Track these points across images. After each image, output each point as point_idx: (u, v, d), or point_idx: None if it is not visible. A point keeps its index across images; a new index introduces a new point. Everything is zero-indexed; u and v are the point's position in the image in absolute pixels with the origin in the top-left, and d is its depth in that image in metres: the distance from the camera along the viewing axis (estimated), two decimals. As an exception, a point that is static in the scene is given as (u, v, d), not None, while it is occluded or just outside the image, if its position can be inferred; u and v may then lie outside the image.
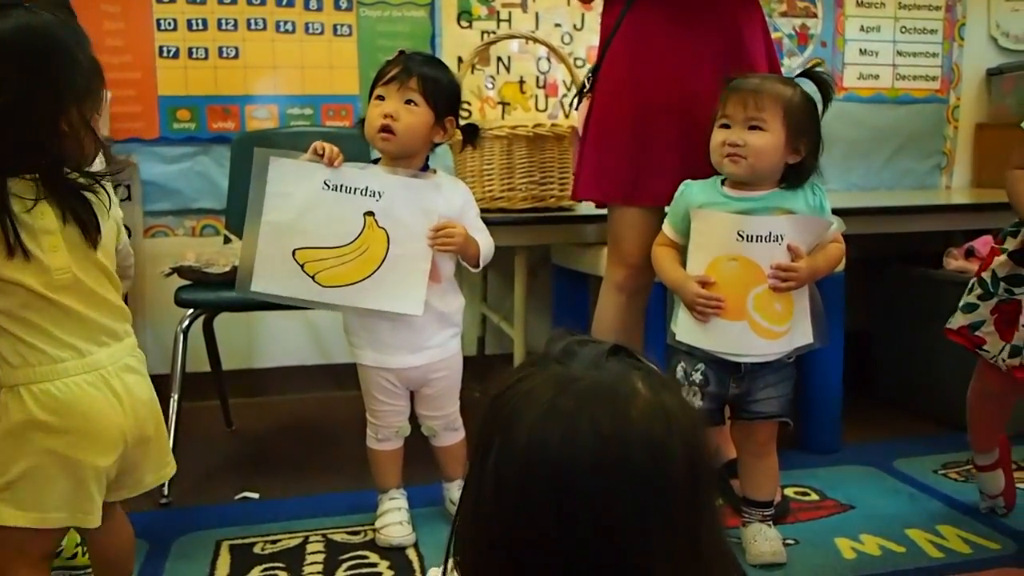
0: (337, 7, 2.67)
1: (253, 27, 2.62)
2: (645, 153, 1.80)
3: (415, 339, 1.70)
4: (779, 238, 1.53)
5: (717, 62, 1.75)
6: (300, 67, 2.67)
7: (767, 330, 1.56)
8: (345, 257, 1.62)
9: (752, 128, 1.55)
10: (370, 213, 1.62)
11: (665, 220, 1.69)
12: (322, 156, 1.61)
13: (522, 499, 0.66)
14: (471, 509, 0.70)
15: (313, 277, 1.61)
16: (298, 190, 1.61)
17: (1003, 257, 1.65)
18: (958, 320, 1.71)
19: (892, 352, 2.66)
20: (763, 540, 1.66)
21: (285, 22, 2.64)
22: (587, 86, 1.94)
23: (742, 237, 1.54)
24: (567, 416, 0.66)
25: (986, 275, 1.68)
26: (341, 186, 1.61)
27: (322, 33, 2.67)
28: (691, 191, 1.64)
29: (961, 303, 1.72)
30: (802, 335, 1.59)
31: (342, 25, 2.68)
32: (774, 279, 1.54)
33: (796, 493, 1.98)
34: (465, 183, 1.83)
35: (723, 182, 1.63)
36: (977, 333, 1.67)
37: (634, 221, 1.84)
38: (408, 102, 1.63)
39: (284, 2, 2.63)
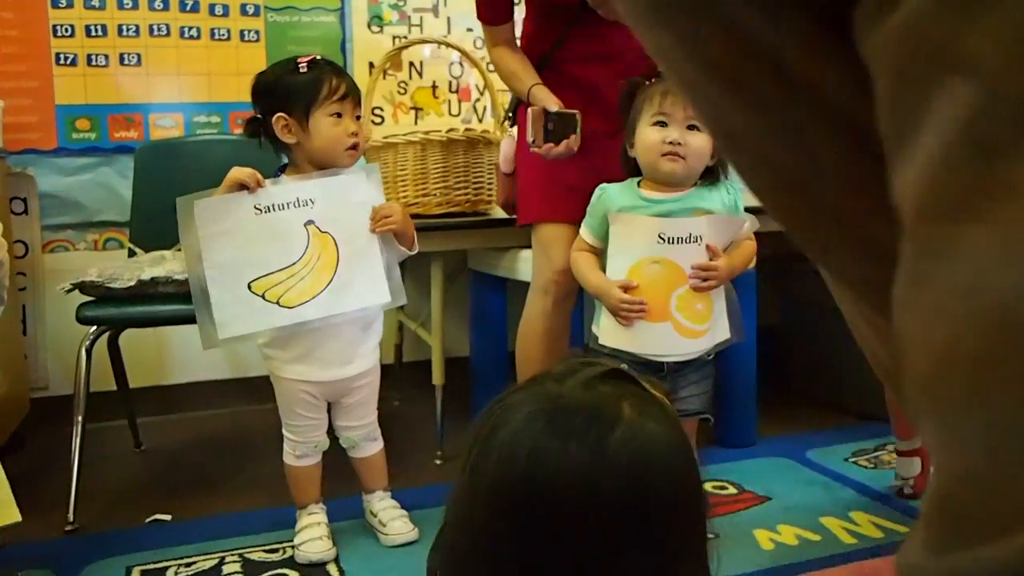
0: (244, 12, 2.61)
1: (156, 33, 2.54)
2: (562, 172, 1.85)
3: (347, 350, 1.68)
4: (699, 239, 1.56)
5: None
6: (206, 74, 2.60)
7: (690, 330, 1.58)
8: (301, 272, 1.60)
9: (691, 128, 1.56)
10: (310, 222, 1.61)
11: (582, 225, 1.69)
12: (244, 188, 1.58)
13: (489, 511, 0.65)
14: (450, 514, 0.69)
15: (277, 303, 1.58)
16: (231, 225, 1.58)
17: None
18: None
19: (803, 346, 2.73)
20: (684, 536, 1.67)
21: (190, 28, 2.57)
22: (512, 115, 2.03)
23: (664, 240, 1.55)
24: (540, 434, 0.65)
25: None
26: (271, 206, 1.59)
27: (229, 39, 2.61)
28: (609, 195, 1.65)
29: None
30: (722, 332, 1.63)
31: (249, 31, 2.62)
32: (695, 279, 1.56)
33: (714, 488, 2.01)
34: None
35: (639, 183, 1.64)
36: None
37: (561, 229, 1.86)
38: (357, 118, 1.67)
39: (188, 7, 2.56)
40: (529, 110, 1.80)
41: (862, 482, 2.01)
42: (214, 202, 1.58)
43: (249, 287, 1.58)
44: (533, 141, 1.78)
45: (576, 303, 2.02)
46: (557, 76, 1.91)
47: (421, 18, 2.74)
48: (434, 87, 2.79)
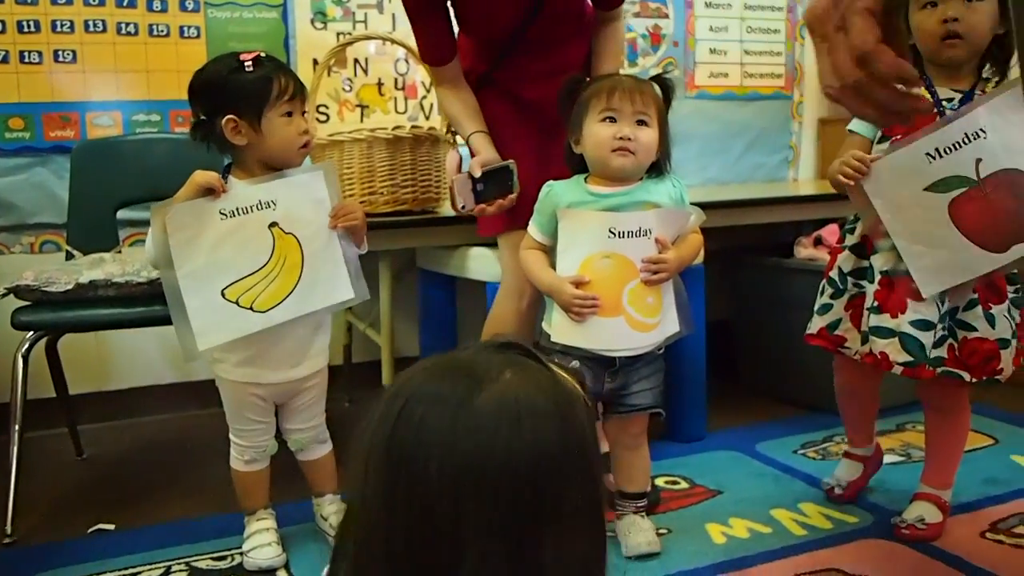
0: (183, 8, 2.55)
1: (92, 29, 2.47)
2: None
3: (297, 351, 1.66)
4: (648, 232, 1.56)
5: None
6: (145, 71, 2.54)
7: (641, 323, 1.59)
8: (271, 275, 1.59)
9: (639, 123, 1.57)
10: (274, 224, 1.60)
11: (531, 224, 1.68)
12: (210, 192, 1.56)
13: (365, 468, 0.66)
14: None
15: (251, 308, 1.57)
16: (200, 231, 1.56)
17: (845, 252, 1.69)
18: (816, 323, 1.73)
19: (751, 339, 2.76)
20: (637, 532, 1.68)
21: (127, 24, 2.50)
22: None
23: (614, 234, 1.56)
24: (415, 389, 0.66)
25: (833, 274, 1.71)
26: (236, 210, 1.58)
27: (168, 35, 2.55)
28: (556, 192, 1.64)
29: (816, 306, 1.74)
30: (671, 325, 1.64)
31: (189, 27, 2.56)
32: (646, 272, 1.56)
33: (666, 482, 2.02)
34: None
35: (585, 179, 1.64)
36: (836, 332, 1.69)
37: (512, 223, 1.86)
38: (304, 114, 1.66)
39: (125, 3, 2.49)
40: (453, 179, 1.80)
41: (811, 473, 2.04)
42: (184, 208, 1.56)
43: (222, 293, 1.57)
44: (463, 206, 1.79)
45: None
46: (497, 94, 1.91)
47: (366, 14, 2.71)
48: (380, 84, 2.75)
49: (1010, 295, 1.59)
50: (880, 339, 1.57)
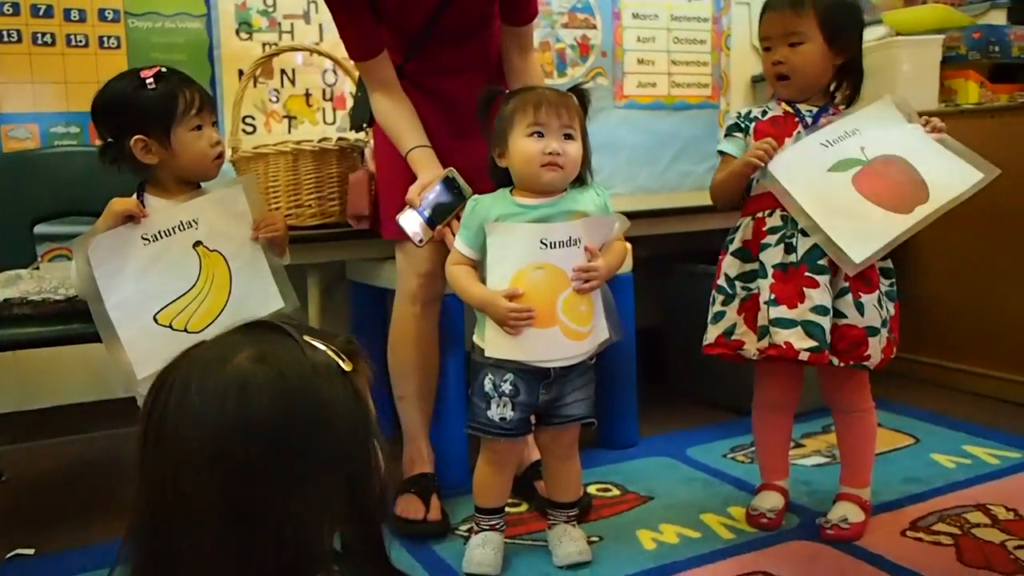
0: (103, 18, 2.49)
1: (6, 39, 2.40)
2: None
3: None
4: (578, 241, 1.58)
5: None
6: (63, 82, 2.47)
7: (576, 332, 1.60)
8: (201, 295, 1.59)
9: (566, 137, 1.58)
10: (198, 243, 1.59)
11: (457, 239, 1.66)
12: (130, 219, 1.54)
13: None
14: None
15: (186, 329, 1.56)
16: (124, 260, 1.55)
17: (729, 258, 1.75)
18: (712, 333, 1.75)
19: (680, 346, 2.80)
20: (569, 541, 1.68)
21: (43, 34, 2.44)
22: (366, 124, 2.02)
23: (545, 244, 1.56)
24: (163, 383, 0.75)
25: (721, 281, 1.75)
26: (159, 233, 1.57)
27: (87, 46, 2.48)
28: (483, 205, 1.64)
29: (709, 317, 1.77)
30: (602, 331, 1.65)
31: (109, 37, 2.50)
32: (577, 281, 1.58)
33: (598, 490, 2.03)
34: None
35: (511, 191, 1.64)
36: (733, 338, 1.71)
37: None
38: (214, 123, 1.64)
39: (42, 12, 2.43)
40: (398, 219, 1.76)
41: (740, 477, 2.07)
42: (106, 239, 1.55)
43: (155, 320, 1.55)
44: (421, 240, 1.75)
45: (457, 313, 2.02)
46: (412, 87, 1.89)
47: (292, 25, 2.68)
48: (307, 95, 2.73)
49: (884, 288, 1.68)
50: (783, 329, 1.61)
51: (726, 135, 1.80)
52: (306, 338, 0.78)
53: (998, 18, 3.08)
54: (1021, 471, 2.04)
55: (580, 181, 1.65)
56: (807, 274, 1.62)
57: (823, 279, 1.62)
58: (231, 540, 0.69)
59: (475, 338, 1.66)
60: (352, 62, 1.95)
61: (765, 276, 1.66)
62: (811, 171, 1.65)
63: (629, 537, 1.78)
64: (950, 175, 1.65)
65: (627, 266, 2.22)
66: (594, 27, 3.15)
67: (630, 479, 2.09)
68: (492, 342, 1.60)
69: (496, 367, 1.61)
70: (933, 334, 2.77)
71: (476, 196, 1.67)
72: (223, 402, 0.71)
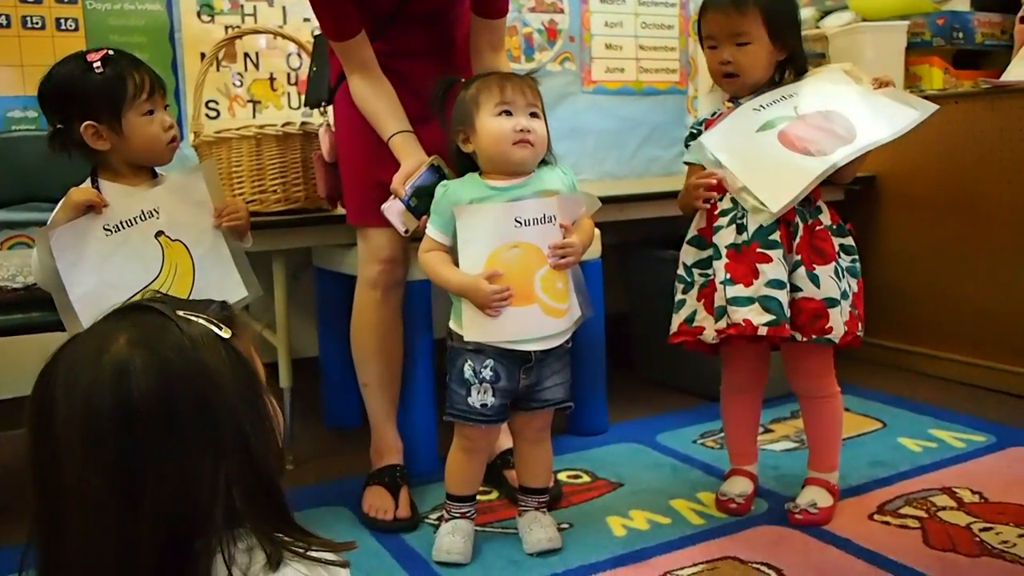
0: (59, -1, 2.43)
1: (-41, 21, 2.33)
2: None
3: None
4: (552, 218, 1.57)
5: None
6: (19, 65, 2.41)
7: (554, 309, 1.59)
8: (164, 285, 1.57)
9: (532, 115, 1.58)
10: (160, 233, 1.57)
11: (429, 225, 1.64)
12: (90, 209, 1.51)
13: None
14: None
15: None
16: (85, 251, 1.51)
17: (685, 247, 1.77)
18: (675, 322, 1.76)
19: (649, 331, 2.79)
20: (539, 528, 1.68)
21: (-3, 15, 2.37)
22: (324, 104, 2.00)
23: (520, 223, 1.56)
24: (45, 375, 0.76)
25: (680, 271, 1.77)
26: (120, 224, 1.54)
27: (43, 28, 2.42)
28: (454, 190, 1.62)
29: (673, 309, 1.78)
30: (576, 309, 1.65)
31: (66, 19, 2.44)
32: (554, 257, 1.57)
33: (568, 477, 2.03)
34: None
35: (479, 175, 1.63)
36: (695, 325, 1.72)
37: (383, 229, 1.81)
38: (166, 107, 1.61)
39: (-5, -7, 2.36)
40: (383, 208, 1.71)
41: (708, 463, 2.08)
42: (67, 229, 1.51)
43: None
44: (407, 230, 1.72)
45: (424, 300, 2.00)
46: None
47: (255, 7, 2.63)
48: (272, 79, 2.68)
49: (845, 264, 1.69)
50: (740, 308, 1.61)
51: (686, 144, 1.82)
52: (180, 312, 0.79)
53: (962, 5, 3.10)
54: (986, 454, 2.07)
55: (543, 163, 1.65)
56: (759, 250, 1.62)
57: (775, 253, 1.62)
58: (119, 525, 0.71)
59: (451, 324, 1.64)
60: (310, 44, 1.92)
61: (720, 257, 1.66)
62: (740, 135, 1.68)
63: (599, 523, 1.78)
64: (883, 117, 1.67)
65: (596, 251, 2.21)
66: (561, 11, 3.13)
67: (600, 465, 2.09)
68: (471, 326, 1.58)
69: (475, 352, 1.60)
70: (895, 318, 2.79)
71: (446, 182, 1.65)
72: (103, 390, 0.72)
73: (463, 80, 1.67)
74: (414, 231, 1.72)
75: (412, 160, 1.72)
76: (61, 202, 1.53)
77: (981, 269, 2.58)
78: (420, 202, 1.69)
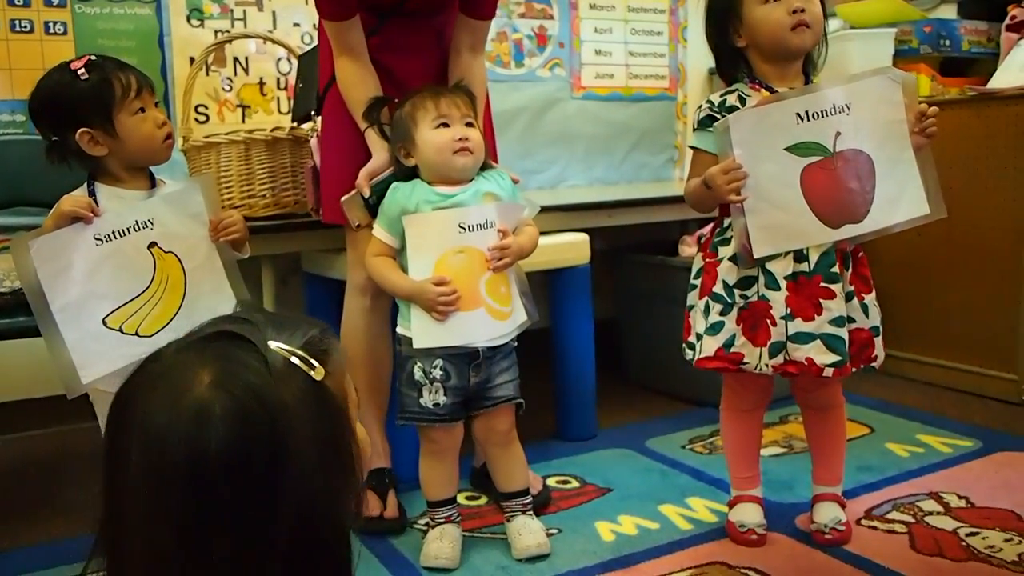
0: (48, 3, 2.42)
1: (-53, 24, 2.32)
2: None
3: None
4: (492, 224, 1.64)
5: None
6: (7, 69, 2.40)
7: (500, 312, 1.65)
8: (154, 297, 1.54)
9: (467, 125, 1.65)
10: (153, 244, 1.54)
11: (376, 226, 1.68)
12: (81, 219, 1.49)
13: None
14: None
15: (136, 333, 1.51)
16: (71, 260, 1.48)
17: (726, 264, 1.61)
18: (710, 345, 1.61)
19: (638, 337, 2.81)
20: (527, 533, 1.68)
21: (-15, 19, 2.36)
22: (314, 111, 1.98)
23: (464, 228, 1.62)
24: (123, 401, 0.72)
25: (718, 289, 1.62)
26: (112, 233, 1.51)
27: (32, 31, 2.41)
28: (403, 193, 1.66)
29: (704, 328, 1.63)
30: (521, 313, 1.70)
31: (55, 23, 2.43)
32: (492, 260, 1.62)
33: (557, 482, 2.03)
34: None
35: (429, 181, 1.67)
36: (733, 351, 1.59)
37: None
38: (156, 104, 1.60)
39: (-17, -3, 2.35)
40: (342, 201, 1.74)
41: (697, 468, 2.08)
42: (51, 239, 1.48)
43: (104, 323, 1.50)
44: (357, 225, 1.75)
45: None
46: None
47: (244, 11, 2.63)
48: (261, 84, 2.68)
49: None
50: (802, 344, 1.54)
51: (699, 128, 1.66)
52: (271, 344, 0.73)
53: (949, 12, 3.12)
54: (973, 459, 2.08)
55: (482, 168, 1.71)
56: (822, 284, 1.55)
57: (837, 287, 1.55)
58: (186, 566, 0.68)
59: (399, 329, 1.68)
60: (300, 49, 1.91)
61: (777, 288, 1.55)
62: (769, 141, 1.55)
63: (587, 529, 1.78)
64: (898, 200, 1.57)
65: (584, 257, 2.22)
66: (551, 17, 3.14)
67: (589, 471, 2.09)
68: (421, 332, 1.63)
69: (425, 354, 1.63)
70: (883, 324, 2.80)
71: (396, 183, 1.68)
72: (180, 433, 0.68)
73: (396, 100, 1.72)
74: (364, 227, 1.75)
75: (379, 158, 1.74)
76: (52, 209, 1.52)
77: (967, 275, 2.59)
78: (379, 201, 1.72)
